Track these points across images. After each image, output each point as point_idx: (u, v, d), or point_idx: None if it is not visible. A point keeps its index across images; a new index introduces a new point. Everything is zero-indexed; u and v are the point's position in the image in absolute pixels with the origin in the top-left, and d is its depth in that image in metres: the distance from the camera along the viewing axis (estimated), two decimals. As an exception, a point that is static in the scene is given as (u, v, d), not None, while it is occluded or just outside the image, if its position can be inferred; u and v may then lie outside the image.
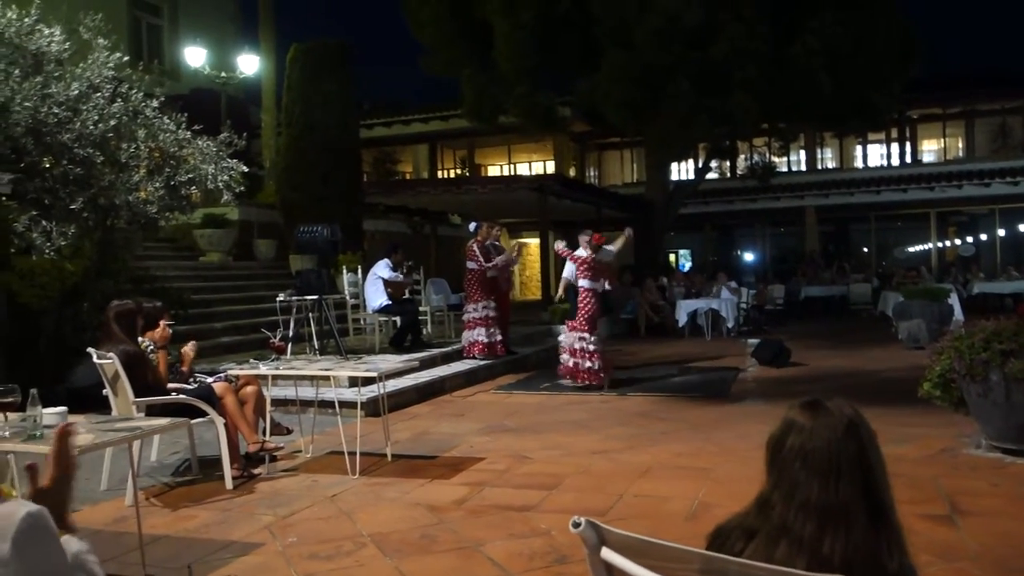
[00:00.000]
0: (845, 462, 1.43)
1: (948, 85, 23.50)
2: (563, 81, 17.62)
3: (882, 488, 1.45)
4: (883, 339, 12.59)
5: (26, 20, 7.30)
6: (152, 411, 4.74)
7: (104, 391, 5.00)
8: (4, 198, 6.77)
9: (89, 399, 5.34)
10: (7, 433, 3.27)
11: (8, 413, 3.25)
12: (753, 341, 10.86)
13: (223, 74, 17.24)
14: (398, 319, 10.19)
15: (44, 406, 3.42)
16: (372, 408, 6.80)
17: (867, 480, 1.44)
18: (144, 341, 5.18)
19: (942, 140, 26.14)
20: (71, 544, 1.49)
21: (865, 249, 26.25)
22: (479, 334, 9.87)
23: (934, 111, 25.05)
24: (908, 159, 25.57)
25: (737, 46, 14.22)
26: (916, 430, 5.92)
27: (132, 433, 3.54)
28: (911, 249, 26.12)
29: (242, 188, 8.63)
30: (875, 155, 26.56)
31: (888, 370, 9.46)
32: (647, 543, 1.31)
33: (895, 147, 25.89)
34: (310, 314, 9.27)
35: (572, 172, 26.13)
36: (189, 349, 5.58)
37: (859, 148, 26.61)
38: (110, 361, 4.74)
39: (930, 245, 24.96)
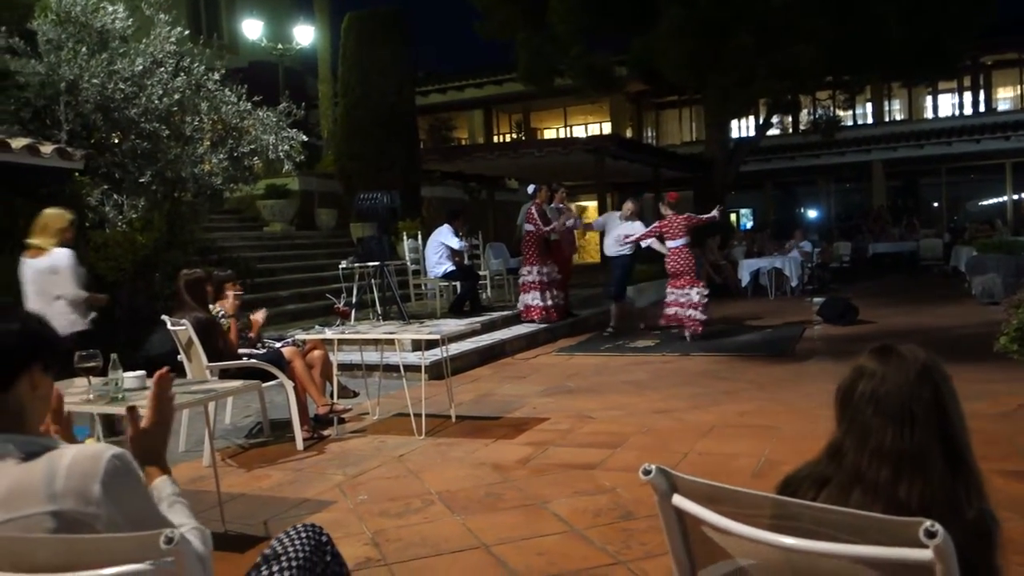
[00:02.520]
0: (919, 406, 1.39)
1: (1025, 28, 22.29)
2: (619, 40, 17.28)
3: (959, 433, 1.41)
4: (956, 295, 12.19)
5: (91, -1, 7.49)
6: (224, 375, 4.90)
7: (178, 357, 5.18)
8: (77, 174, 7.00)
9: (163, 366, 5.52)
10: (91, 396, 3.42)
11: (91, 377, 3.39)
12: (818, 299, 10.62)
13: (280, 46, 17.46)
14: (458, 285, 10.27)
15: (123, 371, 3.57)
16: (435, 371, 6.90)
17: (943, 425, 1.40)
18: (216, 308, 5.35)
19: (1019, 87, 24.90)
20: (166, 486, 1.58)
21: (935, 203, 25.32)
22: (534, 298, 9.88)
23: (1010, 56, 23.85)
24: (982, 108, 24.44)
25: (799, -6, 13.72)
26: (992, 386, 5.74)
27: (208, 395, 3.67)
28: (985, 202, 25.11)
29: (302, 157, 8.79)
30: (946, 105, 25.47)
31: (961, 326, 9.16)
32: (719, 489, 1.30)
33: (968, 96, 24.76)
34: (372, 280, 9.40)
35: (629, 133, 25.75)
36: (259, 316, 5.73)
37: (929, 98, 25.54)
38: (183, 328, 4.90)
39: (1005, 197, 23.94)
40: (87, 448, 1.39)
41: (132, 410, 1.66)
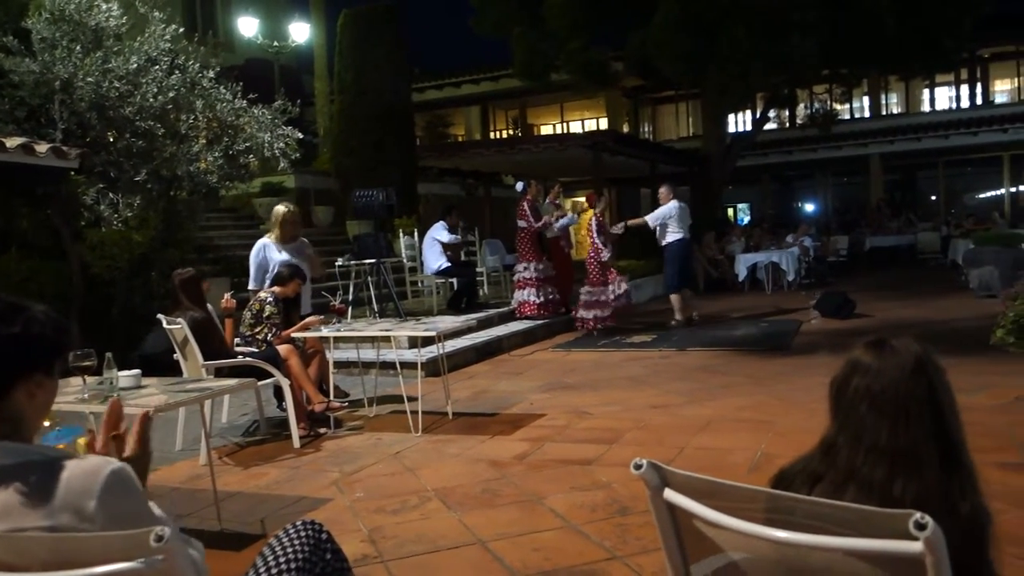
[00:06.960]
0: (914, 402, 1.39)
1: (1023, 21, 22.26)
2: (615, 35, 17.26)
3: (953, 428, 1.40)
4: (953, 288, 12.20)
5: (84, -4, 7.46)
6: (220, 374, 4.89)
7: (174, 356, 5.18)
8: (72, 173, 6.98)
9: (159, 365, 5.52)
10: (86, 395, 3.41)
11: (86, 376, 3.38)
12: (811, 291, 10.61)
13: (275, 43, 17.43)
14: (455, 281, 10.26)
15: (118, 370, 3.56)
16: (432, 368, 6.90)
17: (937, 420, 1.39)
18: (265, 295, 5.50)
19: (1016, 79, 24.91)
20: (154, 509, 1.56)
21: (933, 197, 25.34)
22: (529, 294, 9.87)
23: (1007, 49, 23.84)
24: (979, 101, 24.45)
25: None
26: (989, 378, 5.74)
27: (203, 393, 3.66)
28: (982, 195, 25.13)
29: (297, 155, 8.76)
30: (943, 98, 25.48)
31: (958, 319, 9.17)
32: (711, 483, 1.29)
33: (965, 89, 24.77)
34: (369, 278, 9.39)
35: (626, 128, 25.74)
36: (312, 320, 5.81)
37: (926, 91, 25.54)
38: (179, 326, 4.90)
39: (1003, 190, 23.96)
40: (86, 462, 1.36)
41: (119, 438, 1.61)
